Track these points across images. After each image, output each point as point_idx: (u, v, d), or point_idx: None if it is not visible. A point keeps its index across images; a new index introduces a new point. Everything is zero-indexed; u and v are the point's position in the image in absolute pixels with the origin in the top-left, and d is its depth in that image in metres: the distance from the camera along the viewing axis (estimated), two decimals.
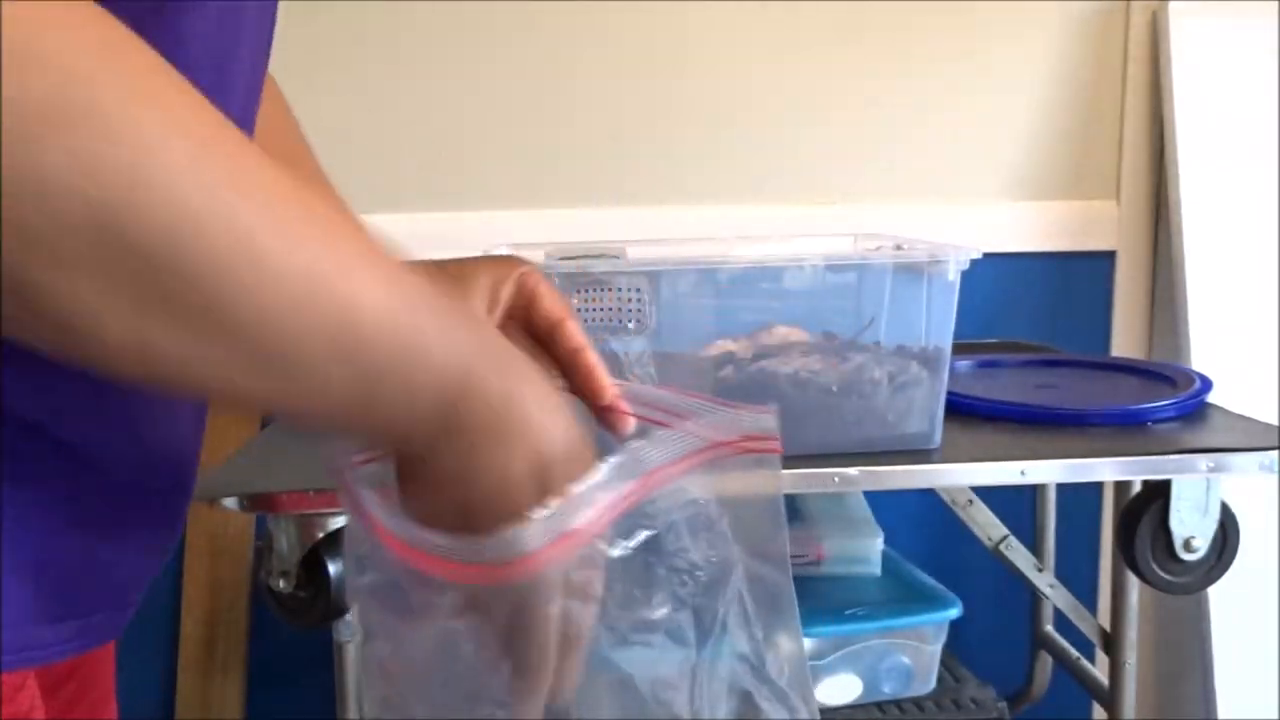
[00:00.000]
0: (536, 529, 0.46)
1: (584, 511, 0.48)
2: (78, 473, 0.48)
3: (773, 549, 0.57)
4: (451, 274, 0.61)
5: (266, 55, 0.57)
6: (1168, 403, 1.15)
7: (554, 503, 0.47)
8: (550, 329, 0.60)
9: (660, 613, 0.56)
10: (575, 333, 0.60)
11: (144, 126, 0.36)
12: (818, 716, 0.58)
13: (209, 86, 0.48)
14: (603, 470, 0.49)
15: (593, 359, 0.60)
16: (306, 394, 0.42)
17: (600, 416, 0.59)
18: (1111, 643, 1.28)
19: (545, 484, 0.47)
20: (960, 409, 1.14)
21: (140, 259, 0.36)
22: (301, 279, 0.39)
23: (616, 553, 0.53)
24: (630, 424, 0.59)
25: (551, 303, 0.61)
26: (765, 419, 0.58)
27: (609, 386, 0.59)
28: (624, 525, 0.53)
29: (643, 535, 0.54)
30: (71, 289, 0.36)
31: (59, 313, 0.36)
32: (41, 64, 0.34)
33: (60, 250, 0.35)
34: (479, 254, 0.64)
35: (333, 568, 1.00)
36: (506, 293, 0.61)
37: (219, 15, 0.48)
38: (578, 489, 0.48)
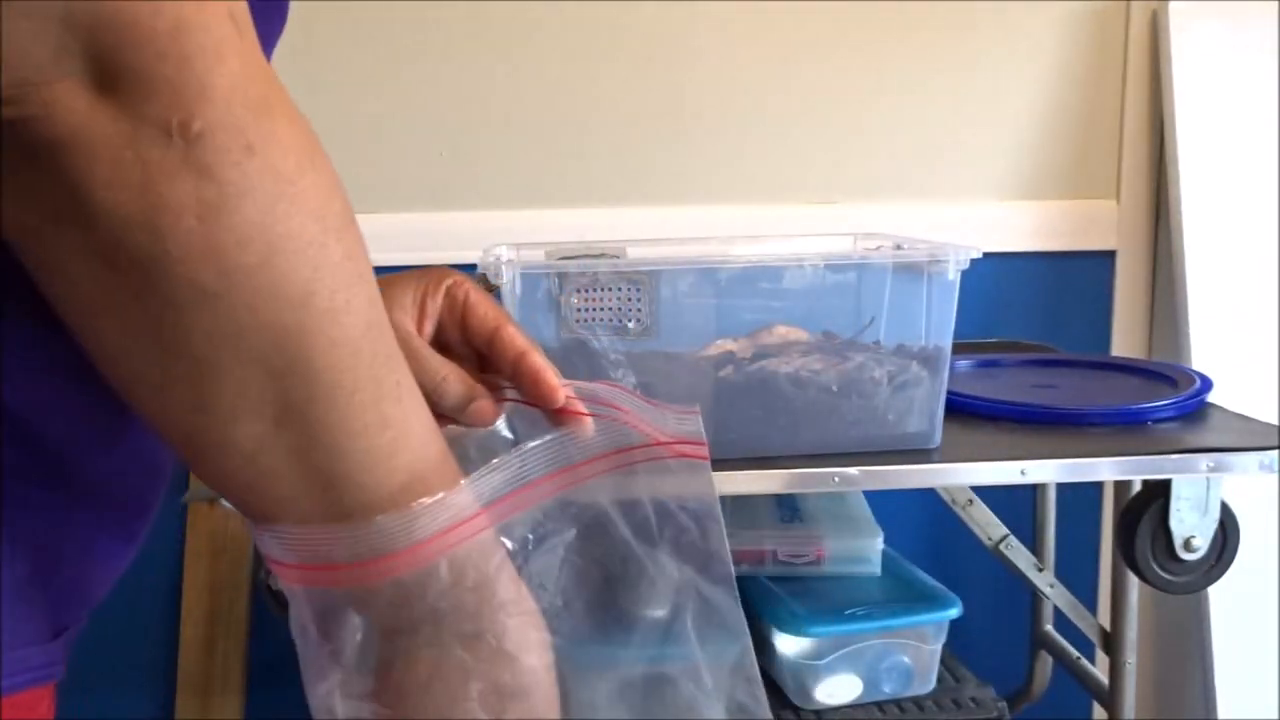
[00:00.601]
0: (424, 515, 0.44)
1: (476, 501, 0.46)
2: (66, 492, 0.48)
3: (718, 569, 0.55)
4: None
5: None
6: (1168, 402, 1.15)
7: (441, 493, 0.45)
8: (489, 337, 0.58)
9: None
10: (515, 337, 0.58)
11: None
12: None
13: None
14: (509, 460, 0.48)
15: (538, 362, 0.57)
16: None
17: (556, 421, 0.56)
18: (1111, 643, 1.28)
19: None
20: (960, 409, 1.14)
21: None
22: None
23: (515, 546, 0.51)
24: (588, 423, 0.56)
25: (485, 310, 0.59)
26: (690, 421, 0.56)
27: (559, 388, 0.56)
28: (537, 519, 0.51)
29: (569, 534, 0.53)
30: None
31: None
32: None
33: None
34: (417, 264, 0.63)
35: None
36: (435, 305, 0.59)
37: None
38: (473, 479, 0.46)
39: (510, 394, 0.58)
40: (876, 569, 1.35)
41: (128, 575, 0.58)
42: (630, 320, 0.98)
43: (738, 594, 0.55)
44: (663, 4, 1.54)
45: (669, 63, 1.56)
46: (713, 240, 1.24)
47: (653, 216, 1.55)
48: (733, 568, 0.55)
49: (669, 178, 1.58)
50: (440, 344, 0.59)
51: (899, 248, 1.05)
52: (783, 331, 1.03)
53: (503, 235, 1.24)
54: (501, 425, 0.58)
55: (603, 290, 0.97)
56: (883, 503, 1.44)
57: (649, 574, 0.55)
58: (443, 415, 0.56)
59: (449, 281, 0.59)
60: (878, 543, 1.36)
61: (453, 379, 0.57)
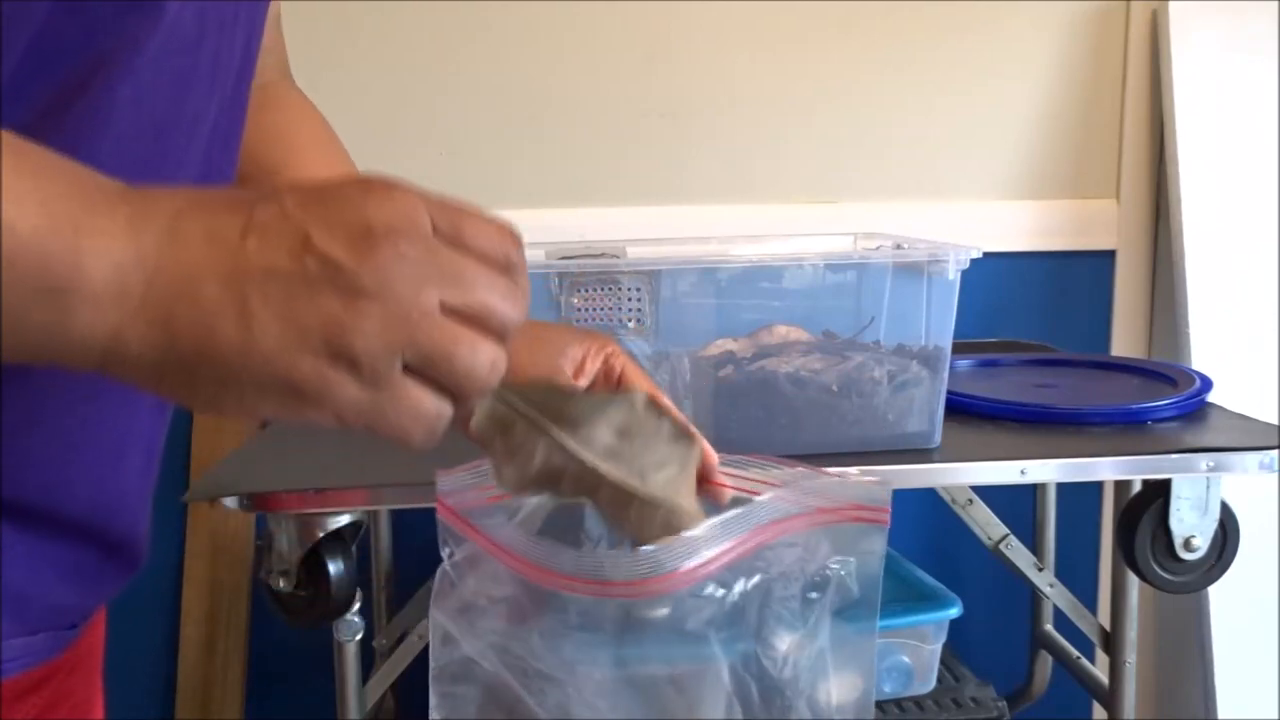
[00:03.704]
0: (668, 553, 0.52)
1: (699, 553, 0.54)
2: (26, 517, 0.50)
3: (863, 614, 0.62)
4: (536, 334, 0.63)
5: (239, 108, 0.57)
6: (1168, 402, 1.15)
7: (668, 540, 0.52)
8: None
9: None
10: (670, 409, 0.61)
11: None
12: None
13: (151, 149, 0.49)
14: (715, 521, 0.55)
15: (694, 433, 0.61)
16: None
17: (704, 491, 0.62)
18: (1111, 642, 1.28)
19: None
20: (960, 409, 1.14)
21: None
22: None
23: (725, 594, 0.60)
24: (727, 495, 0.63)
25: (640, 383, 0.63)
26: (877, 491, 0.62)
27: (713, 459, 0.63)
28: (733, 572, 0.60)
29: (756, 578, 0.61)
30: None
31: None
32: None
33: None
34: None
35: (332, 567, 1.00)
36: (593, 366, 0.63)
37: (163, 78, 0.48)
38: (693, 532, 0.54)
39: None
40: None
41: None
42: (630, 320, 0.98)
43: (874, 643, 0.64)
44: (663, 4, 1.55)
45: (669, 63, 1.56)
46: (713, 240, 1.24)
47: (653, 216, 1.55)
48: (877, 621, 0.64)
49: (669, 178, 1.58)
50: None
51: (899, 247, 1.05)
52: (783, 331, 1.03)
53: None
54: None
55: (603, 290, 0.97)
56: None
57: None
58: None
59: (609, 349, 0.64)
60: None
61: None
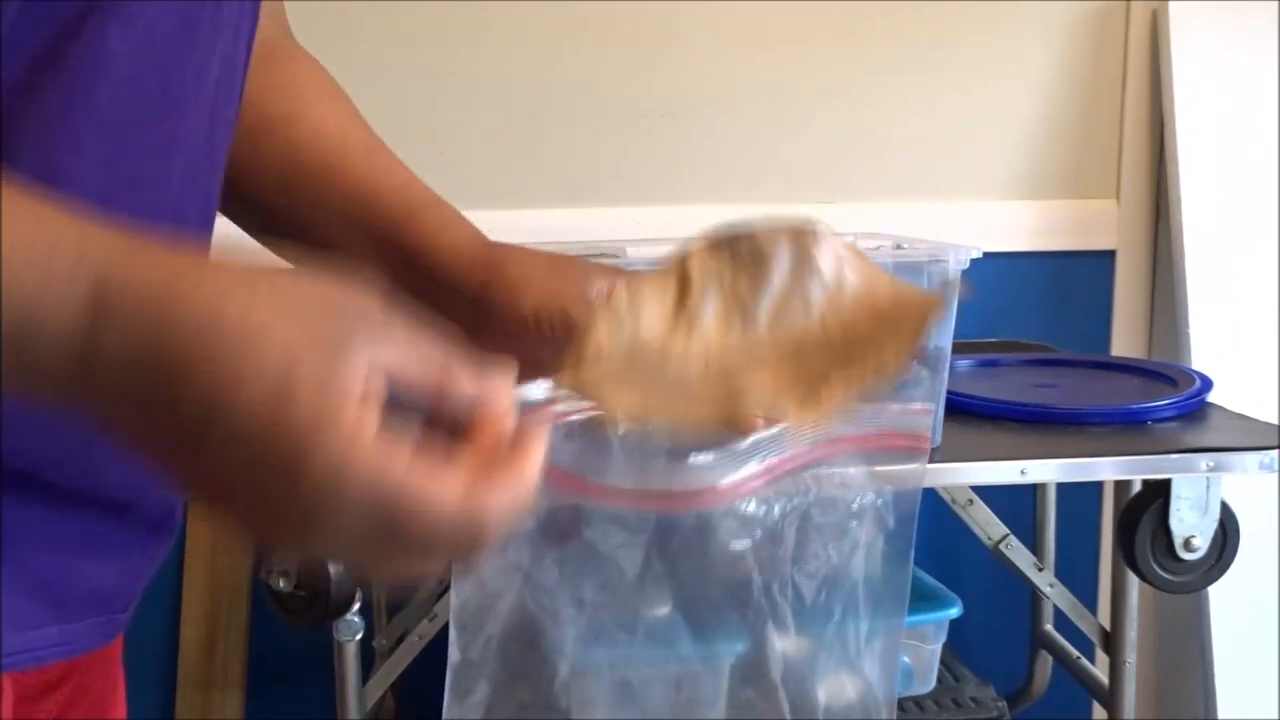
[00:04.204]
0: (716, 467, 0.48)
1: (747, 466, 0.51)
2: (48, 494, 0.49)
3: (898, 543, 0.62)
4: (560, 265, 0.61)
5: (238, 60, 0.57)
6: (1168, 402, 1.15)
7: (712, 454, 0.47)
8: None
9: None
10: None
11: None
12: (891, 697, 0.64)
13: (154, 98, 0.48)
14: (758, 438, 0.52)
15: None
16: None
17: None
18: (1111, 642, 1.28)
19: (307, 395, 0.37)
20: (960, 409, 1.14)
21: None
22: None
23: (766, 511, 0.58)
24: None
25: None
26: (917, 420, 0.61)
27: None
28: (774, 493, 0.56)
29: (796, 500, 0.58)
30: None
31: None
32: None
33: None
34: None
35: (332, 567, 1.00)
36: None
37: (161, 25, 0.48)
38: (740, 444, 0.50)
39: None
40: None
41: None
42: None
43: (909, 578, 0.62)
44: (663, 4, 1.54)
45: (669, 62, 1.56)
46: None
47: (653, 216, 1.55)
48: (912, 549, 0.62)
49: (669, 178, 1.58)
50: None
51: (899, 247, 1.05)
52: None
53: (504, 235, 1.24)
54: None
55: None
56: None
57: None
58: None
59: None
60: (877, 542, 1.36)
61: None
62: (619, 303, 0.52)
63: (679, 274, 0.53)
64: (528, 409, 0.43)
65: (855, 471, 0.61)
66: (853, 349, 0.52)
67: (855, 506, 0.62)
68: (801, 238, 0.55)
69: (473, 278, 0.61)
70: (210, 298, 0.37)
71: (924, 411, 0.63)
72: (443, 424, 0.41)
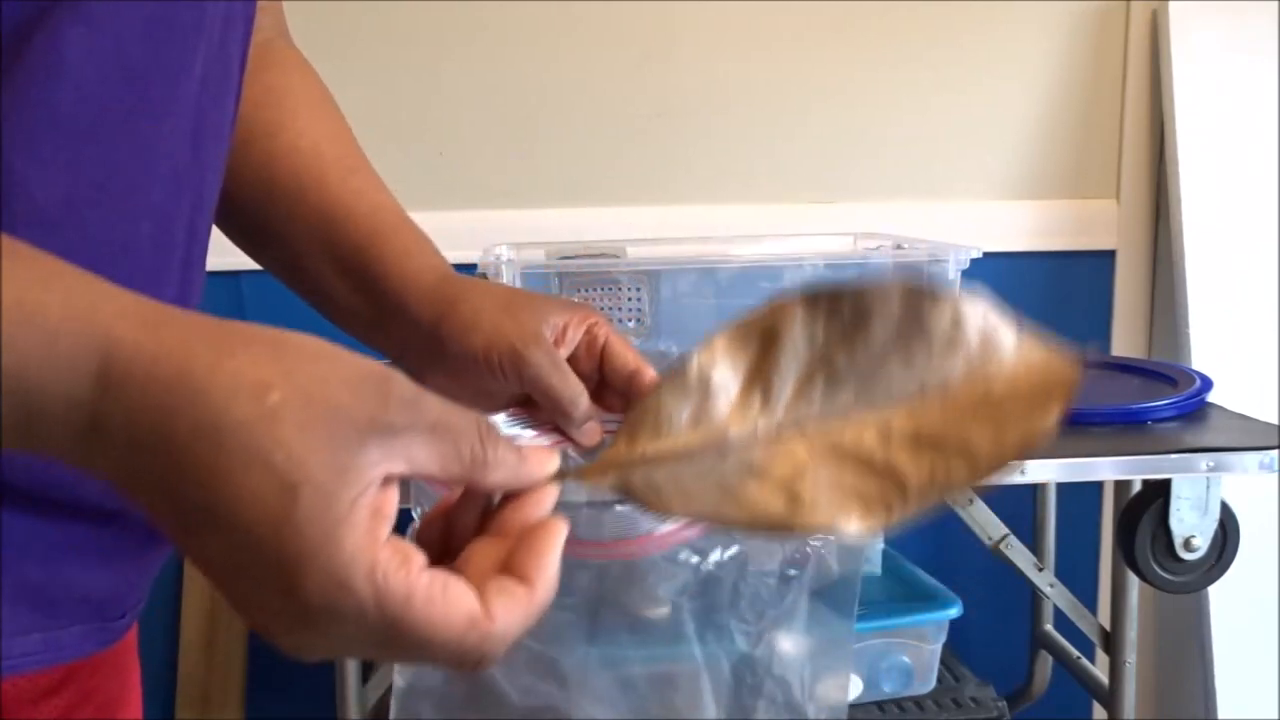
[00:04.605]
0: (643, 514, 0.44)
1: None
2: (31, 501, 0.48)
3: (843, 596, 0.60)
4: (518, 301, 0.60)
5: (230, 61, 0.56)
6: (1168, 402, 1.14)
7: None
8: (629, 375, 0.59)
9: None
10: (654, 378, 0.59)
11: None
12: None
13: (122, 101, 0.47)
14: None
15: None
16: None
17: None
18: (1111, 642, 1.28)
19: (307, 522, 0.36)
20: None
21: None
22: None
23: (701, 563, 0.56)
24: None
25: (625, 351, 0.60)
26: None
27: None
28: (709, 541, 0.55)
29: (734, 549, 0.56)
30: None
31: None
32: None
33: None
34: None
35: None
36: (575, 336, 0.60)
37: (126, 25, 0.47)
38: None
39: (609, 428, 0.60)
40: (877, 569, 1.35)
41: None
42: (630, 320, 0.98)
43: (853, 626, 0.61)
44: (662, 4, 1.54)
45: (668, 62, 1.56)
46: (713, 240, 1.24)
47: (653, 216, 1.55)
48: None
49: (667, 178, 1.58)
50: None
51: (899, 247, 1.05)
52: None
53: (503, 235, 1.24)
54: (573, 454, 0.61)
55: (602, 290, 0.97)
56: None
57: None
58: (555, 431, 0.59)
59: (592, 320, 0.61)
60: (878, 543, 1.36)
61: (585, 396, 0.59)
62: (690, 368, 0.46)
63: (761, 331, 0.46)
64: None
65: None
66: (956, 436, 0.44)
67: (797, 554, 0.61)
68: (916, 297, 0.45)
69: (428, 310, 0.60)
70: (220, 388, 0.35)
71: None
72: (475, 505, 0.41)
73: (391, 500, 0.37)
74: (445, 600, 0.36)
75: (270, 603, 0.36)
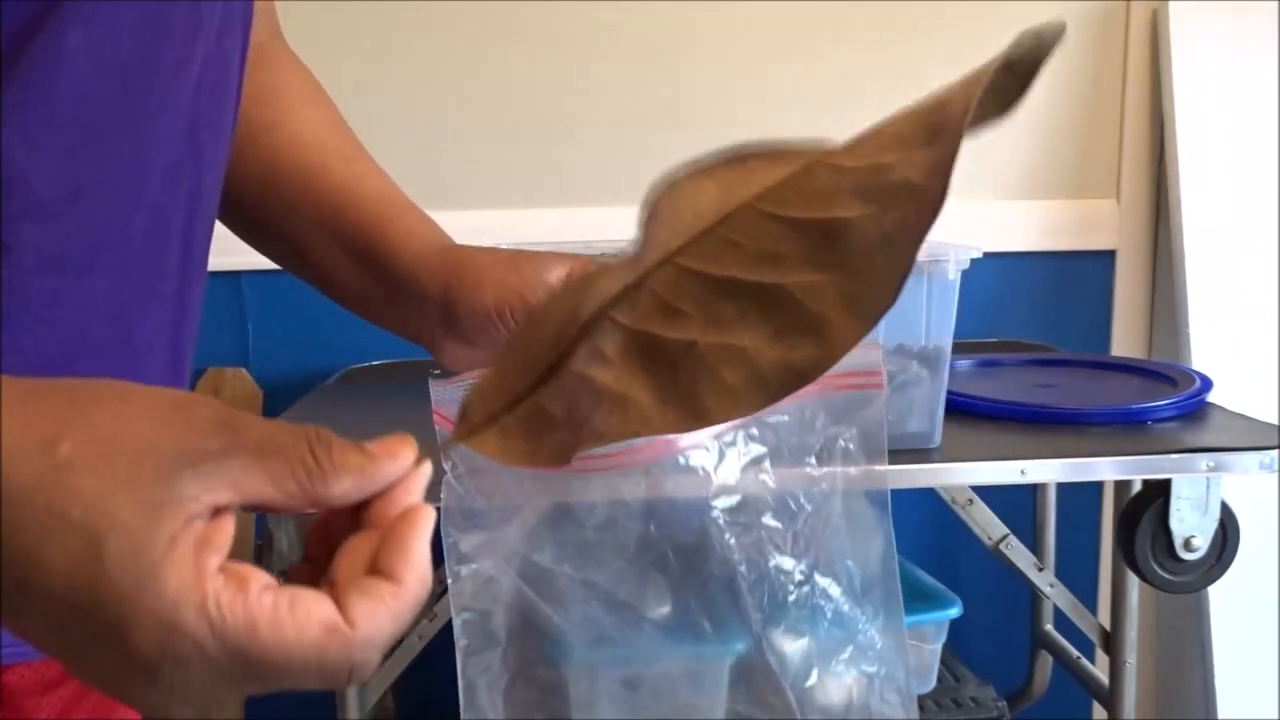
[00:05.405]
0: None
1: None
2: None
3: (875, 494, 0.60)
4: (518, 258, 0.61)
5: (228, 60, 0.56)
6: (1168, 402, 1.14)
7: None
8: None
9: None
10: None
11: None
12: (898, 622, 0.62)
13: (120, 97, 0.48)
14: None
15: None
16: None
17: None
18: (1111, 642, 1.28)
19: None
20: (960, 408, 1.14)
21: None
22: None
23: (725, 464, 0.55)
24: None
25: None
26: (869, 356, 0.59)
27: None
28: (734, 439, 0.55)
29: (757, 450, 0.56)
30: None
31: None
32: None
33: None
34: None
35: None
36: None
37: (124, 24, 0.48)
38: None
39: None
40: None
41: None
42: None
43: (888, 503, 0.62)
44: (661, 4, 1.54)
45: (668, 62, 1.56)
46: None
47: None
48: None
49: None
50: None
51: None
52: None
53: (503, 235, 1.24)
54: None
55: None
56: None
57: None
58: None
59: (592, 268, 0.60)
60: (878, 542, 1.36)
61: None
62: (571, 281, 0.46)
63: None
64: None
65: (812, 414, 0.60)
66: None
67: (820, 449, 0.61)
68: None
69: (437, 280, 0.62)
70: (5, 452, 0.33)
71: (874, 346, 0.61)
72: (345, 517, 0.39)
73: (223, 531, 0.35)
74: (294, 617, 0.34)
75: (111, 667, 0.34)
